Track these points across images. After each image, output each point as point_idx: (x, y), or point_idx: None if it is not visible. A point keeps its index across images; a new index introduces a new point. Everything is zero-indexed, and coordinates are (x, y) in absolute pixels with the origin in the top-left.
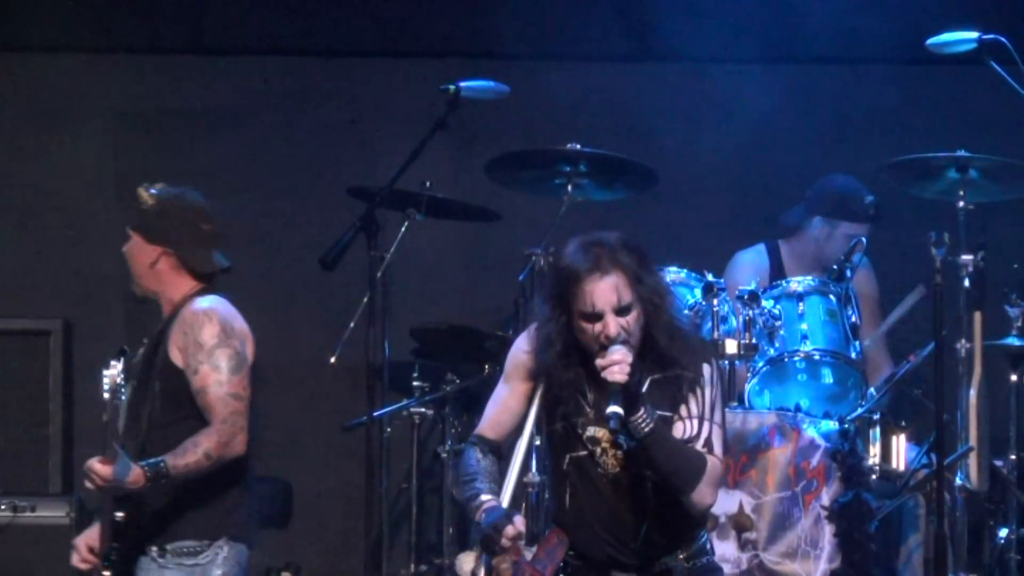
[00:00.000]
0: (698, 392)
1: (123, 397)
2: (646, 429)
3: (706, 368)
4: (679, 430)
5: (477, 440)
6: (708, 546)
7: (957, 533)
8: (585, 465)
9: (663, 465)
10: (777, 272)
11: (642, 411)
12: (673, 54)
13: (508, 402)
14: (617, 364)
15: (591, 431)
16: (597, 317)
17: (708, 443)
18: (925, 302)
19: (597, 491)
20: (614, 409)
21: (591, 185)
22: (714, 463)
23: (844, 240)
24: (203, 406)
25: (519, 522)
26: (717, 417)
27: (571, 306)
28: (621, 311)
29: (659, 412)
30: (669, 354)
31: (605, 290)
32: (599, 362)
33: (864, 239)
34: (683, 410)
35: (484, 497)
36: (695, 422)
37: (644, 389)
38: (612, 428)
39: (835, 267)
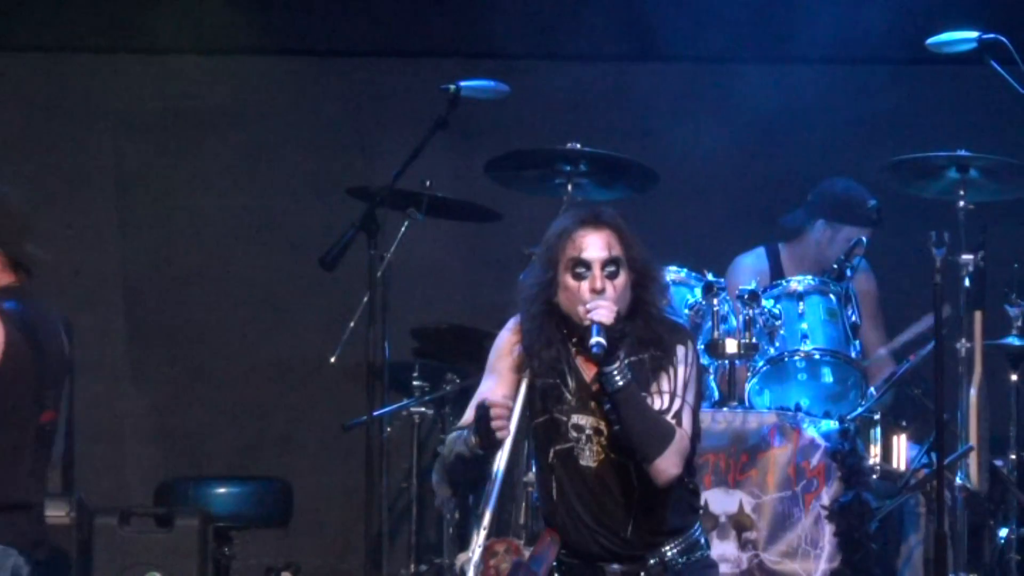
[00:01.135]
0: (671, 371)
1: None
2: (620, 382)
3: (680, 349)
4: (650, 404)
5: (464, 430)
6: (703, 541)
7: (957, 533)
8: (569, 457)
9: (633, 423)
10: (777, 275)
11: (617, 364)
12: (673, 54)
13: (493, 394)
14: (604, 306)
15: (575, 419)
16: (585, 267)
17: (678, 416)
18: (938, 326)
19: (583, 482)
20: (598, 340)
21: (591, 185)
22: (682, 434)
23: (846, 243)
24: None
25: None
26: (689, 397)
27: (560, 261)
28: (609, 265)
29: (627, 361)
30: (652, 328)
31: (596, 241)
32: (582, 309)
33: (864, 239)
34: (654, 386)
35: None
36: (666, 397)
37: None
38: (595, 353)
39: (835, 267)
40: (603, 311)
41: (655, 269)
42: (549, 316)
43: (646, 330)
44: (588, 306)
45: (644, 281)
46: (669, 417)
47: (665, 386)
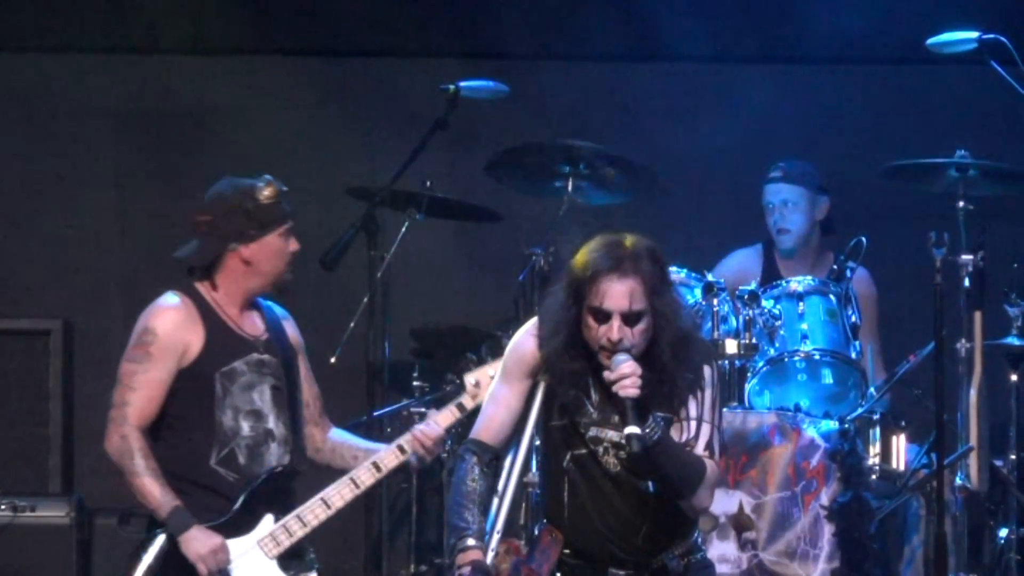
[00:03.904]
0: (698, 394)
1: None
2: (656, 438)
3: (707, 370)
4: (679, 431)
5: (475, 447)
6: (700, 541)
7: (957, 533)
8: (586, 463)
9: (668, 472)
10: (769, 270)
11: (650, 421)
12: (673, 54)
13: (508, 400)
14: (628, 378)
15: (594, 431)
16: (605, 317)
17: (710, 446)
18: (938, 326)
19: (598, 488)
20: (634, 430)
21: (590, 187)
22: (713, 468)
23: (766, 214)
24: None
25: None
26: (717, 419)
27: (584, 299)
28: (630, 318)
29: (659, 413)
30: (670, 368)
31: (619, 292)
32: (608, 376)
33: (864, 239)
34: (683, 412)
35: (469, 542)
36: (694, 424)
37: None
38: (634, 451)
39: (835, 267)
40: (629, 383)
41: (679, 302)
42: (574, 340)
43: (668, 365)
44: (613, 376)
45: (668, 322)
46: (701, 446)
47: (693, 411)
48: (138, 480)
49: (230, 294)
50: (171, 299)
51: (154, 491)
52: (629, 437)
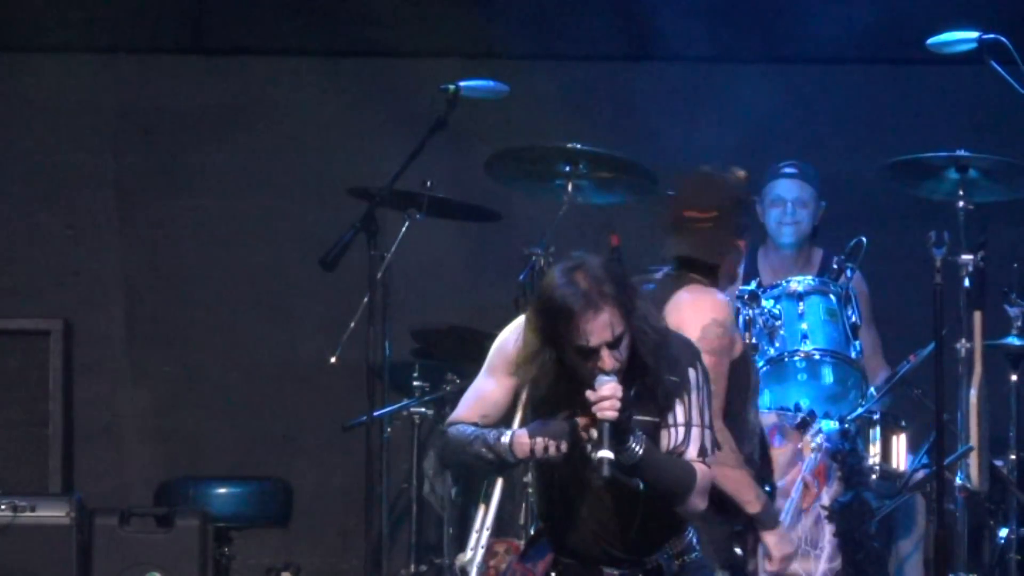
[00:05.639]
0: (685, 398)
1: None
2: (639, 453)
3: (691, 372)
4: (666, 438)
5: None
6: (695, 542)
7: (957, 533)
8: (576, 462)
9: (653, 484)
10: (750, 276)
11: (631, 440)
12: (673, 54)
13: (493, 395)
14: (607, 400)
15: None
16: (592, 352)
17: (703, 450)
18: (938, 326)
19: (589, 487)
20: (606, 454)
21: (591, 186)
22: (703, 472)
23: (773, 207)
24: None
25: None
26: (707, 419)
27: (562, 337)
28: (614, 344)
29: (645, 417)
30: (654, 370)
31: (600, 327)
32: (590, 395)
33: (864, 239)
34: (670, 417)
35: (506, 431)
36: (681, 430)
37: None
38: (604, 476)
39: (835, 266)
40: (608, 405)
41: (647, 307)
42: (549, 367)
43: (655, 370)
44: (593, 398)
45: (644, 332)
46: (694, 450)
47: (680, 416)
48: (733, 471)
49: (723, 290)
50: (716, 293)
51: (753, 482)
52: (601, 461)
